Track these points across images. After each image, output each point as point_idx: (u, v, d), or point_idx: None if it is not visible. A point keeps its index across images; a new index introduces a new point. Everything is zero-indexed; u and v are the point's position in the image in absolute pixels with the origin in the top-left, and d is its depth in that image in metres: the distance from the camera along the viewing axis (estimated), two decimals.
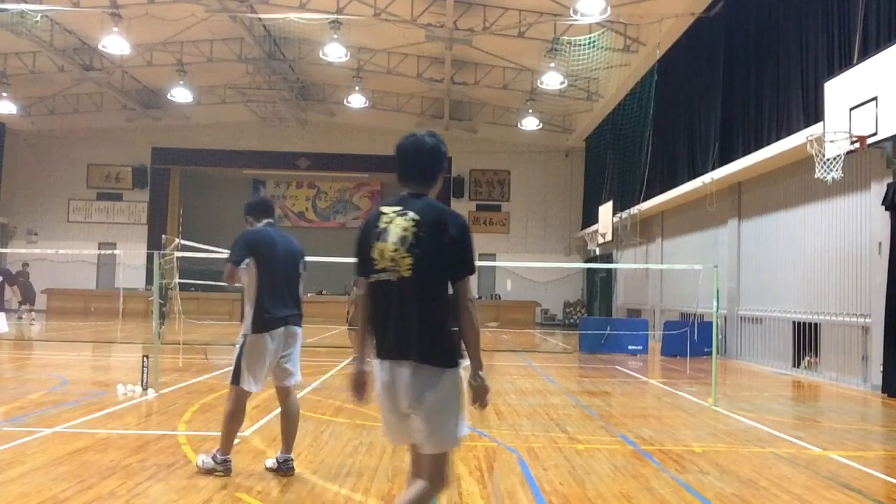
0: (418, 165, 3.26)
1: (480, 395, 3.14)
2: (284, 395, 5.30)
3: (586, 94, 23.78)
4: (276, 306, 5.11)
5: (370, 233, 3.17)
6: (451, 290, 3.13)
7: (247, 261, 5.08)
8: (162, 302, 9.54)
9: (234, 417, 5.14)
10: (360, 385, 3.32)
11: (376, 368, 3.20)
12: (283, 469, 5.15)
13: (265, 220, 5.39)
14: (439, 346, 3.07)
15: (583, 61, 19.12)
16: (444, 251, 3.06)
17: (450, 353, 3.09)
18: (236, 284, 5.16)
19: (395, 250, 3.07)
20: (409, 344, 3.06)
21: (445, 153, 3.33)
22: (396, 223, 3.11)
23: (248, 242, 5.14)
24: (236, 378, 5.08)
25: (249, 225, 5.40)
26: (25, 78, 24.20)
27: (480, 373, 3.12)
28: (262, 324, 5.05)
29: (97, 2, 18.31)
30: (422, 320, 3.06)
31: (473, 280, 3.19)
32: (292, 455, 5.24)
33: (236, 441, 6.02)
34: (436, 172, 3.29)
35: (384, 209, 3.21)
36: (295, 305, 5.25)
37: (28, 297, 22.06)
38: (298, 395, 8.76)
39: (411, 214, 3.11)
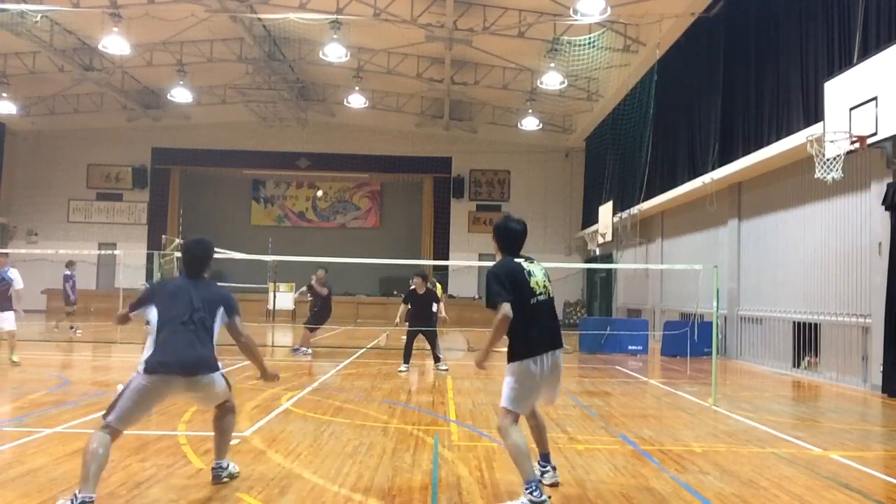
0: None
1: None
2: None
3: (586, 94, 23.77)
4: None
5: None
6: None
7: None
8: None
9: None
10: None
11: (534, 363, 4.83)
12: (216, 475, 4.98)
13: None
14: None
15: (583, 61, 19.11)
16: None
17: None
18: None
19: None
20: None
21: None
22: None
23: None
24: None
25: None
26: (25, 78, 24.19)
27: None
28: None
29: (97, 2, 18.31)
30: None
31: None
32: (224, 462, 5.01)
33: (235, 441, 6.03)
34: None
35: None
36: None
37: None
38: (298, 395, 8.82)
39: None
